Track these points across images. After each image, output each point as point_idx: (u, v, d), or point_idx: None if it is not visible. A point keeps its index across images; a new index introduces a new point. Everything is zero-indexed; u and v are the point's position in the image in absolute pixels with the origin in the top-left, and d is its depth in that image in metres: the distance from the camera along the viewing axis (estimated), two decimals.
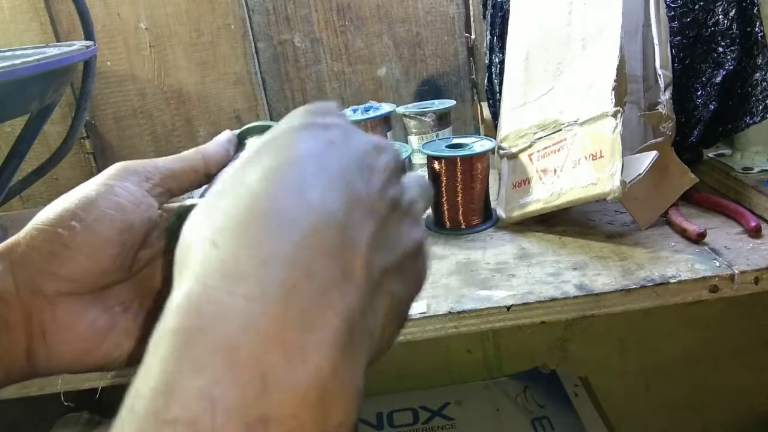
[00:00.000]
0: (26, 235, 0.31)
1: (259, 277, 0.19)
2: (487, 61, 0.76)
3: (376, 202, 0.23)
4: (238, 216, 0.21)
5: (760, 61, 0.60)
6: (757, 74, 0.60)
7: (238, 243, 0.20)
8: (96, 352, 0.32)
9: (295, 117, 0.25)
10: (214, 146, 0.38)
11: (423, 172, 0.73)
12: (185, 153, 0.37)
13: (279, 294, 0.19)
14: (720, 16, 0.61)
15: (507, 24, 0.71)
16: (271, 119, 0.92)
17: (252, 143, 0.38)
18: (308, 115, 0.25)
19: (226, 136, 0.39)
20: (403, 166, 0.28)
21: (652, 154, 0.55)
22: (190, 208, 0.33)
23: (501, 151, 0.67)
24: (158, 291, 0.36)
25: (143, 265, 0.35)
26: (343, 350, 0.19)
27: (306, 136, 0.24)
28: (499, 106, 0.70)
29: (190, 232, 0.22)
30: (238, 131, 0.40)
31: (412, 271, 0.26)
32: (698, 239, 0.55)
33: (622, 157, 0.53)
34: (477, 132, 0.91)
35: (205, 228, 0.21)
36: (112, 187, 0.33)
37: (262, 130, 0.38)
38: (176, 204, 0.35)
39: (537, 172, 0.61)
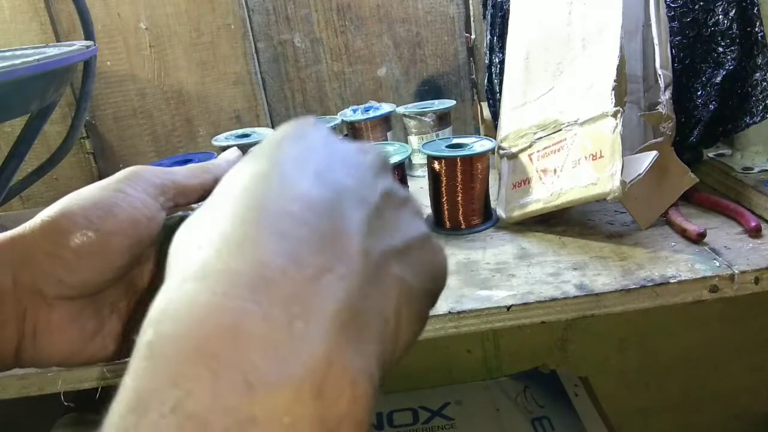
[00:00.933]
0: (35, 231, 0.30)
1: (241, 272, 0.18)
2: (487, 61, 0.76)
3: (365, 192, 0.23)
4: (224, 218, 0.20)
5: (760, 61, 0.60)
6: (757, 74, 0.60)
7: (221, 242, 0.19)
8: (81, 355, 0.33)
9: (277, 131, 0.25)
10: (225, 165, 0.37)
11: (423, 172, 0.73)
12: (197, 169, 0.36)
13: (263, 285, 0.18)
14: (720, 16, 0.61)
15: (507, 24, 0.71)
16: (271, 119, 0.92)
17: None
18: (289, 128, 0.25)
19: (234, 155, 0.39)
20: (390, 167, 0.27)
21: (652, 154, 0.55)
22: (180, 220, 0.33)
23: (501, 151, 0.67)
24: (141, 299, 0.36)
25: (134, 267, 0.36)
26: (340, 333, 0.18)
27: (288, 143, 0.24)
28: (499, 106, 0.70)
29: (179, 241, 0.21)
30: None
31: (421, 261, 0.24)
32: (698, 239, 0.55)
33: (622, 157, 0.53)
34: (477, 132, 0.91)
35: (193, 235, 0.21)
36: (132, 198, 0.32)
37: None
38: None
39: (537, 172, 0.61)
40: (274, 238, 0.19)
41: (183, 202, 0.35)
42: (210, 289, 0.18)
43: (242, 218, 0.20)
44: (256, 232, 0.19)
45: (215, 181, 0.36)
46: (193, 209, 0.33)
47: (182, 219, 0.33)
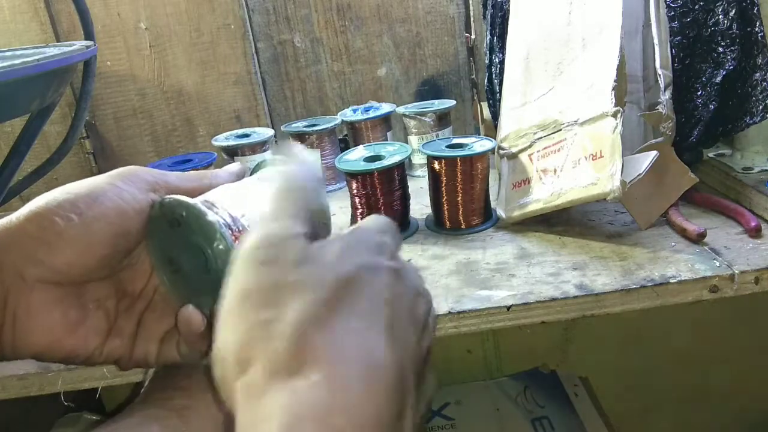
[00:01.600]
0: (21, 217, 0.31)
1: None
2: (487, 61, 0.76)
3: (417, 347, 0.27)
4: (323, 384, 0.23)
5: (760, 61, 0.60)
6: (757, 74, 0.60)
7: (329, 411, 0.22)
8: (61, 345, 0.33)
9: (359, 249, 0.27)
10: (225, 177, 0.38)
11: (423, 172, 0.73)
12: (196, 174, 0.36)
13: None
14: (720, 16, 0.61)
15: (507, 24, 0.71)
16: (271, 119, 0.92)
17: (266, 173, 0.38)
18: (372, 254, 0.27)
19: (237, 168, 0.39)
20: (395, 241, 0.30)
21: (652, 154, 0.55)
22: (160, 206, 0.33)
23: (501, 151, 0.67)
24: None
25: (125, 266, 0.36)
26: None
27: (368, 291, 0.26)
28: (499, 106, 0.70)
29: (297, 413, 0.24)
30: (254, 165, 0.40)
31: (427, 344, 0.28)
32: (698, 239, 0.55)
33: (622, 157, 0.53)
34: (477, 132, 0.91)
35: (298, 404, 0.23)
36: (120, 189, 0.33)
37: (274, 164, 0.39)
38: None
39: (537, 172, 0.61)
40: (367, 412, 0.22)
41: None
42: None
43: (342, 387, 0.23)
44: (353, 404, 0.22)
45: (210, 188, 0.36)
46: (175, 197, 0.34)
47: (162, 205, 0.34)
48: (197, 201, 0.33)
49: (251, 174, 0.40)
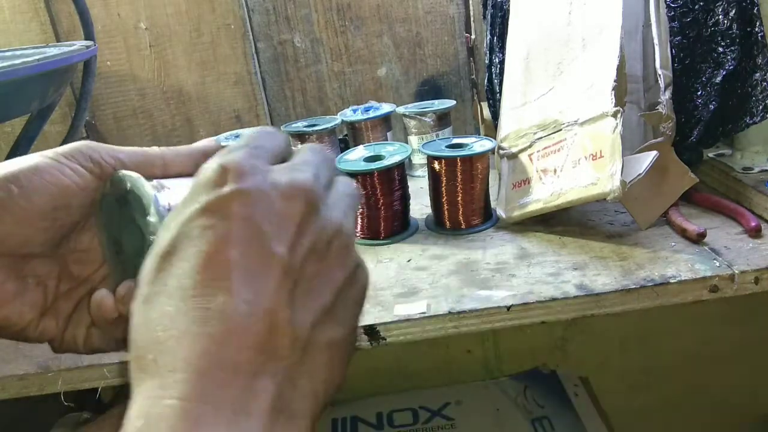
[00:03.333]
0: None
1: (191, 383, 0.22)
2: (487, 61, 0.76)
3: (291, 260, 0.25)
4: (171, 323, 0.23)
5: (760, 61, 0.60)
6: (757, 74, 0.60)
7: (174, 354, 0.22)
8: None
9: (201, 189, 0.26)
10: (183, 156, 0.37)
11: (423, 173, 0.73)
12: (150, 150, 0.37)
13: (213, 391, 0.22)
14: (720, 16, 0.61)
15: (507, 24, 0.71)
16: (271, 119, 0.92)
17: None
18: (214, 186, 0.25)
19: (203, 144, 0.38)
20: (331, 178, 0.28)
21: (652, 154, 0.55)
22: (110, 182, 0.33)
23: (501, 151, 0.67)
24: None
25: (73, 249, 0.36)
26: (275, 423, 0.23)
27: (215, 221, 0.24)
28: (499, 106, 0.70)
29: (137, 337, 0.24)
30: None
31: (348, 301, 0.27)
32: (698, 239, 0.55)
33: (622, 157, 0.53)
34: (477, 132, 0.91)
35: (146, 334, 0.24)
36: (62, 164, 0.33)
37: None
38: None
39: (537, 172, 0.61)
40: (213, 350, 0.22)
41: None
42: (171, 396, 0.22)
43: (189, 330, 0.23)
44: (199, 345, 0.22)
45: (164, 171, 0.36)
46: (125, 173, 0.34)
47: (111, 181, 0.33)
48: (146, 179, 0.33)
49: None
